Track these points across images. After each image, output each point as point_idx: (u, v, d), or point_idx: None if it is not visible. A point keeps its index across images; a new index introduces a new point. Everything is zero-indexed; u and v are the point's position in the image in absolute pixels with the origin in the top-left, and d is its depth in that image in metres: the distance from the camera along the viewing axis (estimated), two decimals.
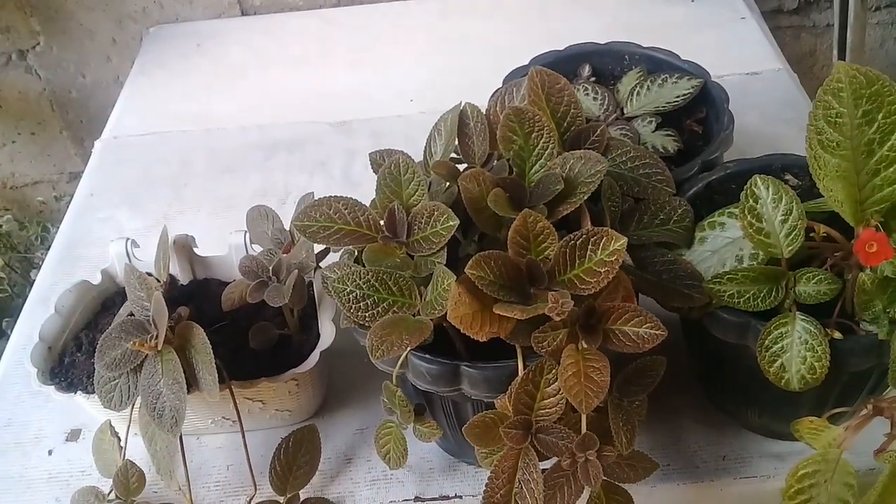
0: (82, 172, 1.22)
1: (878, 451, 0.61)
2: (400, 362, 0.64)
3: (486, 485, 0.59)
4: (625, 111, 0.87)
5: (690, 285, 0.65)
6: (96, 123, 1.42)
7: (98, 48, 1.54)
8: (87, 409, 0.76)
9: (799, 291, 0.62)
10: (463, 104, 0.74)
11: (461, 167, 0.70)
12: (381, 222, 0.67)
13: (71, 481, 0.78)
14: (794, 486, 0.63)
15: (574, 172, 0.64)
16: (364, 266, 0.65)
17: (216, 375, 0.65)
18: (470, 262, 0.56)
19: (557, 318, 0.55)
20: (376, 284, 0.63)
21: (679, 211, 0.69)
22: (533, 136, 0.67)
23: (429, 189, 0.70)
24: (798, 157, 0.76)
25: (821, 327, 0.60)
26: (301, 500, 0.73)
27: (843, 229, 0.63)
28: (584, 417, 0.59)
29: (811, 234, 0.62)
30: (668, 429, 0.78)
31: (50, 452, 0.82)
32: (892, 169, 0.56)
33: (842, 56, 1.25)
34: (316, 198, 0.68)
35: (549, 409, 0.58)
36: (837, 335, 0.60)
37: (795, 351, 0.60)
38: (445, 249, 0.65)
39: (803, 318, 0.61)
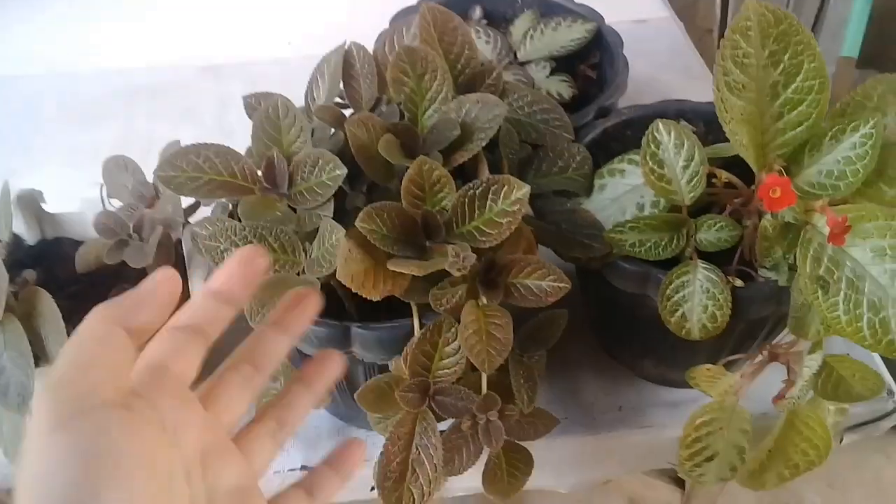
0: None
1: (777, 398, 0.62)
2: None
3: (382, 452, 0.55)
4: (518, 56, 0.83)
5: (590, 235, 0.62)
6: None
7: None
8: None
9: (699, 239, 0.60)
10: (348, 44, 0.68)
11: (347, 113, 0.64)
12: (259, 172, 0.61)
13: None
14: (691, 435, 0.63)
15: (471, 117, 0.60)
16: (240, 221, 0.58)
17: None
18: (360, 215, 0.51)
19: (458, 274, 0.50)
20: (254, 241, 0.56)
21: (578, 158, 0.66)
22: (426, 78, 0.62)
23: (311, 137, 0.63)
24: (692, 104, 0.74)
25: (722, 276, 0.59)
26: None
27: (742, 176, 0.61)
28: (484, 377, 0.56)
29: (712, 181, 0.60)
30: (566, 381, 0.76)
31: None
32: (795, 112, 0.55)
33: (724, 7, 1.26)
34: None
35: (448, 369, 0.54)
36: (738, 283, 0.59)
37: (697, 300, 0.59)
38: (332, 202, 0.59)
39: (705, 266, 0.59)
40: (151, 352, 0.35)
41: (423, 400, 0.54)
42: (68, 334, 0.59)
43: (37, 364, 0.58)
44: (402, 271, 0.50)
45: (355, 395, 0.55)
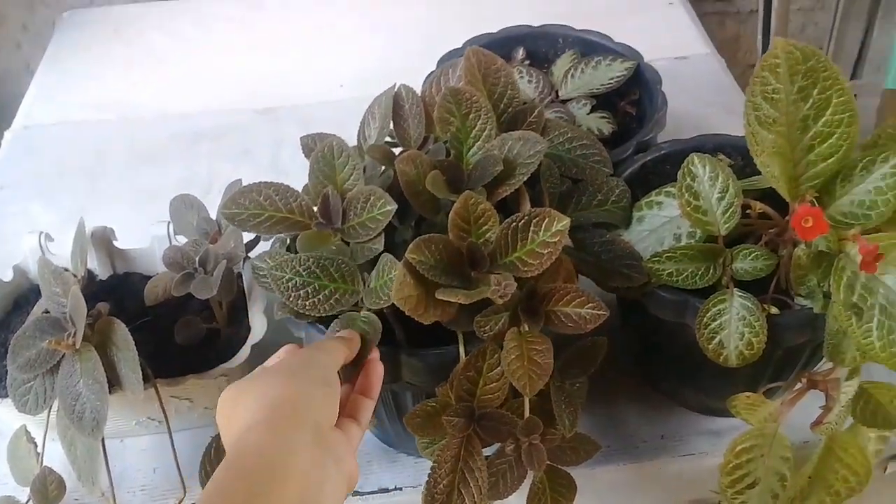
0: None
1: (815, 424, 0.62)
2: None
3: (429, 475, 0.58)
4: (559, 94, 0.87)
5: (629, 265, 0.64)
6: (6, 114, 1.35)
7: (7, 34, 1.46)
8: (1, 412, 0.71)
9: (736, 268, 0.62)
10: (397, 86, 0.72)
11: (397, 151, 0.68)
12: (315, 208, 0.65)
13: None
14: (731, 462, 0.64)
15: (513, 153, 0.63)
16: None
17: (140, 373, 0.62)
18: (410, 247, 0.54)
19: (500, 301, 0.53)
20: (317, 271, 0.60)
21: (617, 191, 0.68)
22: (470, 117, 0.65)
23: (364, 174, 0.67)
24: (729, 137, 0.77)
25: (758, 303, 0.60)
26: None
27: (777, 206, 0.63)
28: (526, 402, 0.58)
29: (747, 212, 0.62)
30: (607, 410, 0.78)
31: None
32: (825, 145, 0.57)
33: (765, 41, 1.28)
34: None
35: (492, 394, 0.56)
36: (774, 310, 0.60)
37: (733, 327, 0.60)
38: (383, 235, 0.62)
39: (741, 294, 0.61)
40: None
41: (469, 425, 0.57)
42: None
43: (111, 388, 0.63)
44: (450, 300, 0.53)
45: (404, 419, 0.58)
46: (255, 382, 0.51)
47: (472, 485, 0.58)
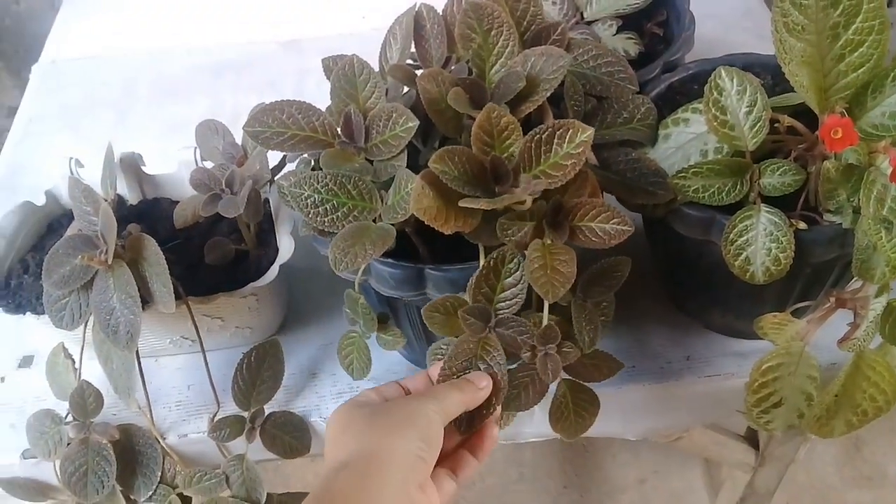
0: (20, 105, 1.16)
1: (842, 340, 0.62)
2: (362, 269, 0.63)
3: (445, 362, 0.57)
4: (584, 15, 0.85)
5: (655, 182, 0.64)
6: (33, 53, 1.35)
7: None
8: (38, 332, 0.74)
9: (763, 184, 0.61)
10: (418, 5, 0.71)
11: (419, 73, 0.67)
12: (338, 128, 0.65)
13: (25, 407, 0.75)
14: (758, 380, 0.64)
15: (536, 70, 0.62)
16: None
17: (171, 286, 0.63)
18: (433, 156, 0.54)
19: (528, 201, 0.53)
20: (335, 188, 0.60)
21: (643, 109, 0.67)
22: (492, 33, 0.64)
23: (385, 95, 0.67)
24: (760, 56, 0.75)
25: (785, 218, 0.60)
26: (266, 414, 0.72)
27: (807, 123, 0.62)
28: (545, 313, 0.59)
29: (775, 126, 0.61)
30: (634, 332, 0.78)
31: (2, 380, 0.79)
32: (856, 54, 0.55)
33: None
34: None
35: (509, 300, 0.57)
36: (802, 225, 0.60)
37: (760, 243, 0.60)
38: (405, 153, 0.63)
39: (768, 209, 0.60)
40: None
41: (485, 328, 0.57)
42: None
43: (143, 305, 0.64)
44: (473, 206, 0.53)
45: (422, 310, 0.58)
46: (366, 417, 0.52)
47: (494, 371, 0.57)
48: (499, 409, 0.56)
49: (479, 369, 0.56)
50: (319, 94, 0.68)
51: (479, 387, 0.55)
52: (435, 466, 0.52)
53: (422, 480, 0.50)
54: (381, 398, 0.55)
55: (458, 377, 0.56)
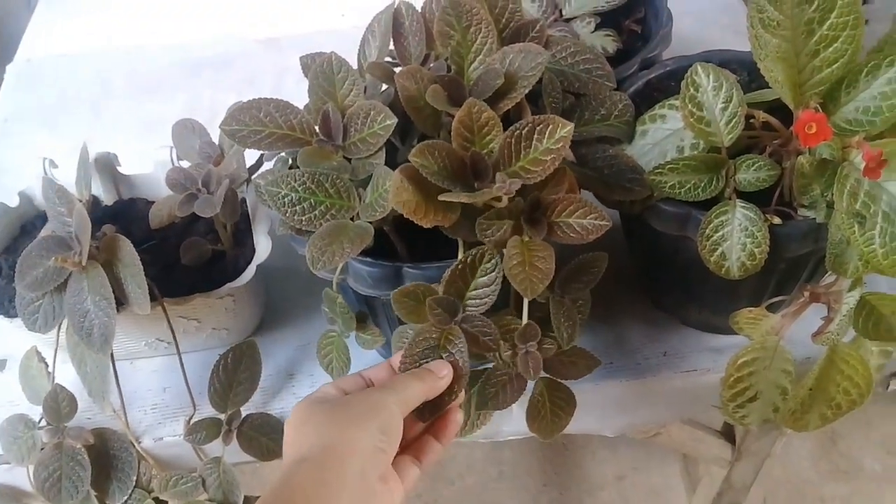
0: None
1: (816, 334, 0.63)
2: (340, 268, 0.63)
3: (405, 349, 0.57)
4: (563, 12, 0.85)
5: (632, 179, 0.64)
6: (8, 52, 1.34)
7: None
8: (10, 335, 0.72)
9: (739, 179, 0.62)
10: (397, 2, 0.71)
11: (397, 70, 0.67)
12: (316, 126, 0.64)
13: None
14: (733, 375, 0.64)
15: (514, 67, 0.62)
16: None
17: (146, 287, 0.62)
18: (414, 151, 0.54)
19: (504, 199, 0.53)
20: (313, 187, 0.60)
21: (620, 105, 0.68)
22: (471, 30, 0.64)
23: (364, 93, 0.67)
24: (736, 53, 0.75)
25: (760, 213, 0.60)
26: (243, 416, 0.71)
27: (781, 118, 0.62)
28: (525, 311, 0.59)
29: (751, 121, 0.62)
30: (611, 329, 0.79)
31: None
32: (830, 49, 0.56)
33: None
34: None
35: (479, 299, 0.56)
36: (777, 220, 0.60)
37: (735, 238, 0.60)
38: (384, 151, 0.62)
39: (743, 205, 0.61)
40: None
41: (450, 320, 0.56)
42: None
43: (118, 306, 0.63)
44: (453, 200, 0.53)
45: (392, 294, 0.57)
46: (326, 412, 0.52)
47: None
48: (462, 394, 0.56)
49: (441, 357, 0.56)
50: (299, 93, 0.68)
51: (440, 376, 0.55)
52: (399, 453, 0.52)
53: (382, 471, 0.50)
54: (340, 392, 0.55)
55: (419, 366, 0.56)
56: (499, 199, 0.55)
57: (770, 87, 0.61)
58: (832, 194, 0.57)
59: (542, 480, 1.50)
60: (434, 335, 0.57)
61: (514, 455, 1.53)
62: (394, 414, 0.51)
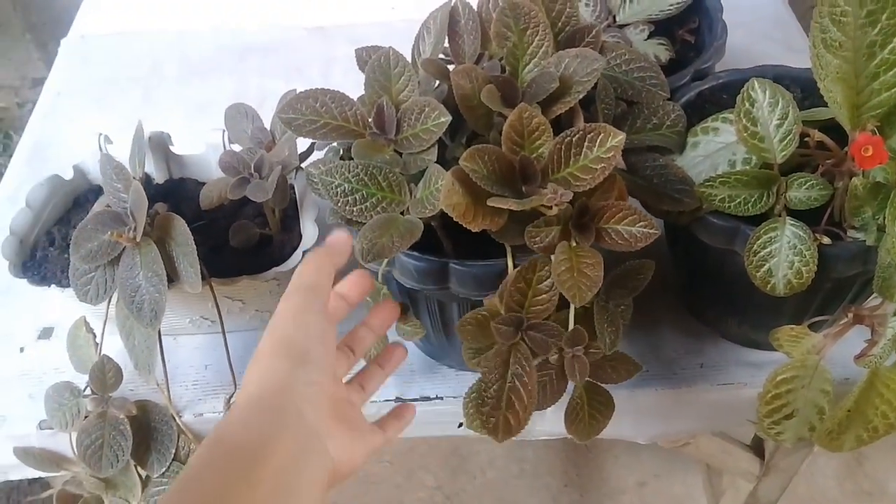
0: (45, 78, 1.17)
1: (859, 356, 0.63)
2: (386, 260, 0.63)
3: (480, 380, 0.59)
4: (617, 19, 0.85)
5: (681, 189, 0.64)
6: (61, 26, 1.36)
7: None
8: (58, 305, 0.74)
9: (790, 197, 0.61)
10: (454, 0, 0.71)
11: (451, 68, 0.68)
12: (370, 119, 0.65)
13: (44, 378, 0.77)
14: (771, 391, 0.64)
15: (570, 71, 0.63)
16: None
17: (198, 267, 0.64)
18: (464, 154, 0.55)
19: (554, 209, 0.54)
20: (366, 179, 0.61)
21: (672, 115, 0.68)
22: (528, 33, 0.65)
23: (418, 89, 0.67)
24: (790, 69, 0.75)
25: (810, 232, 0.60)
26: None
27: (835, 138, 0.62)
28: (571, 317, 0.59)
29: (805, 140, 0.62)
30: (649, 337, 0.79)
31: (21, 350, 0.80)
32: (891, 73, 0.56)
33: None
34: None
35: (541, 305, 0.57)
36: (826, 240, 0.60)
37: (783, 256, 0.60)
38: (436, 147, 0.63)
39: (793, 223, 0.61)
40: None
41: (517, 333, 0.58)
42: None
43: (169, 283, 0.65)
44: (501, 206, 0.53)
45: (456, 327, 0.59)
46: (264, 352, 0.50)
47: (522, 390, 0.58)
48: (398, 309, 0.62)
49: (514, 379, 0.58)
50: (346, 83, 0.68)
51: (339, 245, 0.55)
52: (347, 382, 0.57)
53: (317, 403, 0.48)
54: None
55: (498, 385, 0.58)
56: (549, 207, 0.56)
57: (825, 107, 0.61)
58: (884, 217, 0.57)
59: (563, 481, 1.51)
60: (504, 349, 0.59)
61: (536, 454, 1.54)
62: (314, 328, 0.50)
